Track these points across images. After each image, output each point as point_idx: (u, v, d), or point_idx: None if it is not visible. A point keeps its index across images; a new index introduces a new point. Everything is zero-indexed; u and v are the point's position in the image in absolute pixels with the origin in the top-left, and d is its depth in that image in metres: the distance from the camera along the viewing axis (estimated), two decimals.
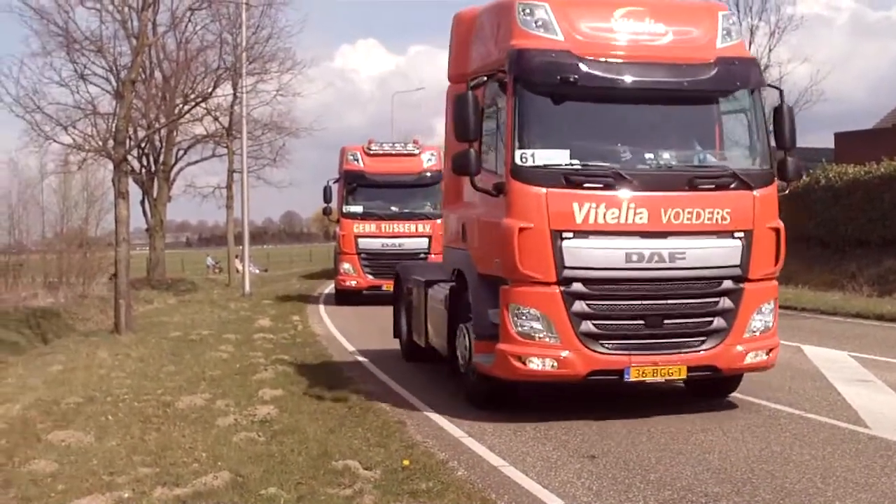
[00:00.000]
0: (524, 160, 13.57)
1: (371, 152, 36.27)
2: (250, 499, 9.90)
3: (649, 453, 11.81)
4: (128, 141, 29.24)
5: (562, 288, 13.49)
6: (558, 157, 13.65)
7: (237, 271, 51.17)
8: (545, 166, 13.61)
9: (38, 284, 39.03)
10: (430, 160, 36.34)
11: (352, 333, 25.52)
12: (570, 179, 13.47)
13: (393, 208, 35.49)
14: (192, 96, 41.25)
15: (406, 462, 11.25)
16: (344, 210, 35.42)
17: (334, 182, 37.91)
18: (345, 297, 35.68)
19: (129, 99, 26.98)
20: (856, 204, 37.09)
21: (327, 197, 37.20)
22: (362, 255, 34.30)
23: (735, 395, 15.34)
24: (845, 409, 14.33)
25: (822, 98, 49.79)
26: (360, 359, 21.02)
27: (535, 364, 13.54)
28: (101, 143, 28.53)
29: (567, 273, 13.49)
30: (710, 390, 15.26)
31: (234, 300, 39.40)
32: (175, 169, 52.22)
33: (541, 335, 13.54)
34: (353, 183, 35.77)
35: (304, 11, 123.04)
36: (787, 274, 42.78)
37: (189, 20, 41.06)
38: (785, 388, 16.09)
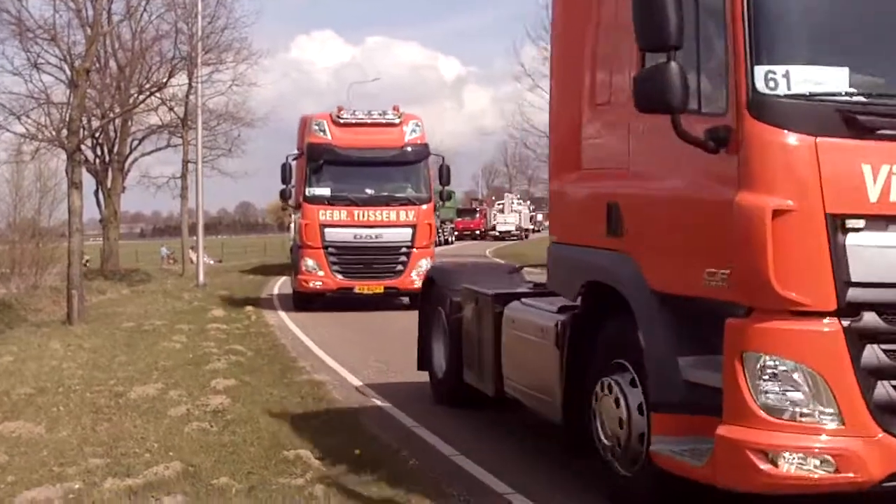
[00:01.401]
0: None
1: (341, 121, 29.85)
2: (202, 489, 9.85)
3: None
4: (81, 131, 29.14)
5: (846, 323, 7.56)
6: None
7: (191, 262, 50.93)
8: (812, 96, 7.69)
9: None
10: (413, 132, 30.21)
11: (306, 324, 25.48)
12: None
13: (368, 191, 29.61)
14: (147, 86, 41.20)
15: (358, 451, 11.20)
16: (307, 193, 29.06)
17: (294, 159, 31.23)
18: (306, 300, 29.88)
19: (83, 88, 26.83)
20: None
21: (285, 177, 31.30)
22: (330, 250, 28.73)
23: None
24: None
25: None
26: (314, 348, 21.01)
27: (795, 466, 7.51)
28: (54, 132, 28.49)
29: (854, 294, 7.56)
30: None
31: (188, 291, 39.20)
32: (129, 159, 51.81)
33: (807, 412, 7.55)
34: (319, 159, 29.37)
35: (259, 2, 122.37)
36: None
37: (144, 9, 40.91)
38: None
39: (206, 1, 46.99)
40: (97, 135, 45.56)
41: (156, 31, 44.88)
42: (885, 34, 8.07)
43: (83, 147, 35.36)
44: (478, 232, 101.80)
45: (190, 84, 47.41)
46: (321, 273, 28.95)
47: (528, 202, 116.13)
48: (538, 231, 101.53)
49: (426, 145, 30.75)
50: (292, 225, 37.45)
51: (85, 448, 11.60)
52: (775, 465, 7.47)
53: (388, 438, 12.24)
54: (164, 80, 41.32)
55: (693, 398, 8.21)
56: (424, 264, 27.54)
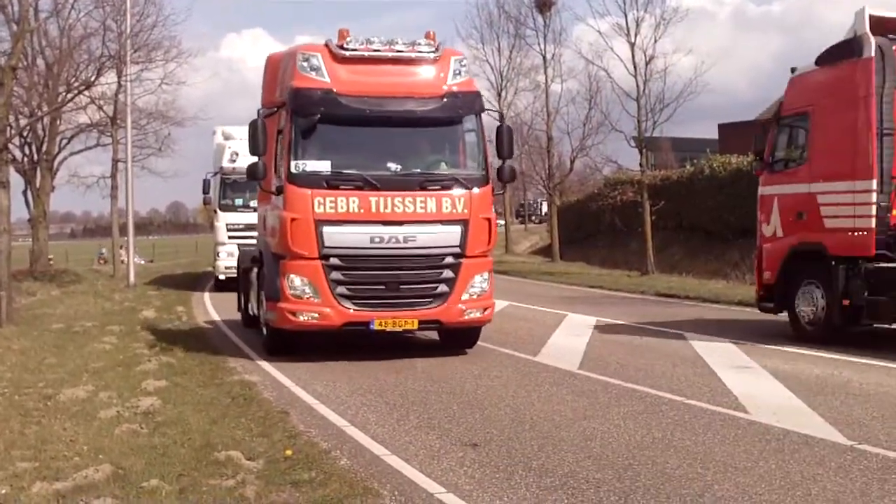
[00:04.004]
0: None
1: (347, 54, 18.85)
2: (132, 491, 9.79)
3: (532, 441, 11.86)
4: (9, 129, 28.80)
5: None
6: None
7: (122, 262, 50.62)
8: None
9: None
10: (457, 73, 19.46)
11: (235, 324, 25.33)
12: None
13: (392, 166, 18.95)
14: (76, 84, 40.72)
15: (289, 452, 11.22)
16: (293, 169, 18.42)
17: (266, 116, 19.22)
18: (287, 343, 19.48)
19: (9, 86, 26.53)
20: (739, 194, 37.71)
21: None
22: (332, 261, 18.33)
23: (617, 382, 15.65)
24: (726, 394, 14.55)
25: (707, 89, 50.44)
26: (245, 348, 20.90)
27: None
28: None
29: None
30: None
31: (119, 291, 39.02)
32: (58, 158, 51.26)
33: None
34: (311, 115, 18.57)
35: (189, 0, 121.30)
36: (671, 263, 43.59)
37: (72, 6, 40.58)
38: (667, 375, 16.31)
39: None
40: (25, 133, 45.11)
41: (84, 29, 44.31)
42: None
43: (11, 146, 34.94)
44: None
45: (119, 83, 46.99)
46: (317, 300, 18.35)
47: None
48: None
49: (478, 94, 20.07)
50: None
51: (13, 452, 11.46)
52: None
53: (320, 438, 12.21)
54: (93, 79, 40.99)
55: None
56: (480, 284, 19.10)
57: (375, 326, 18.38)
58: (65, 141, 51.31)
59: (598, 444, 11.64)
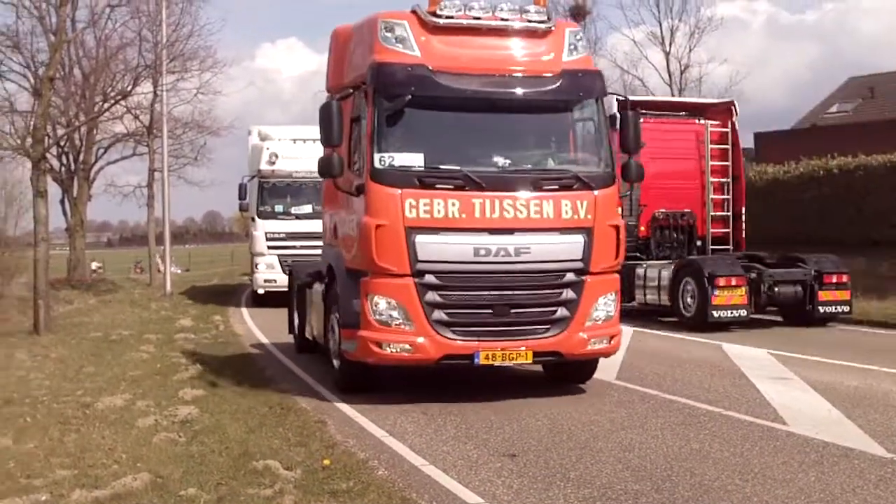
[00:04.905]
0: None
1: (441, 22, 15.53)
2: (170, 500, 9.84)
3: (570, 451, 11.84)
4: (46, 139, 28.92)
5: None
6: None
7: (158, 271, 50.82)
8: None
9: None
10: (573, 48, 16.07)
11: (274, 332, 25.34)
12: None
13: (499, 160, 15.55)
14: (112, 94, 40.92)
15: (327, 462, 11.23)
16: (376, 163, 15.01)
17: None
18: (365, 377, 16.05)
19: (47, 96, 26.70)
20: (776, 203, 37.53)
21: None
22: (428, 279, 14.92)
23: (655, 392, 15.59)
24: (764, 406, 14.47)
25: (742, 98, 50.30)
26: (282, 358, 20.94)
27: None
28: (18, 141, 28.23)
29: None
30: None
31: (156, 300, 39.15)
32: (95, 168, 51.68)
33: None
34: (399, 96, 15.13)
35: (224, 9, 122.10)
36: None
37: (108, 17, 40.89)
38: (704, 386, 16.24)
39: (171, 9, 46.94)
40: (62, 143, 45.43)
41: (120, 39, 44.66)
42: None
43: (48, 155, 35.14)
44: None
45: (155, 92, 47.32)
46: (409, 327, 14.95)
47: None
48: None
49: (599, 74, 16.85)
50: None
51: (52, 459, 11.54)
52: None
53: (357, 448, 12.21)
54: (129, 89, 41.17)
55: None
56: (606, 307, 15.73)
57: (481, 360, 14.87)
58: (101, 150, 51.78)
59: (636, 455, 11.59)
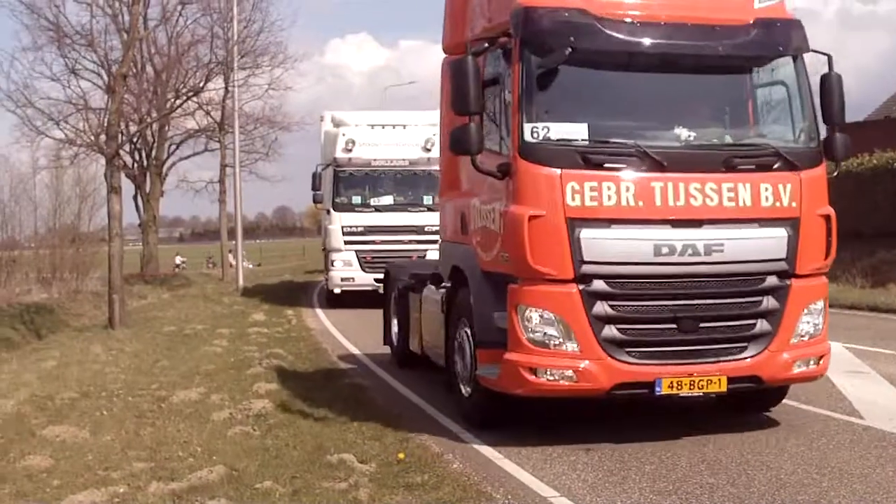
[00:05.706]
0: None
1: None
2: (245, 493, 9.89)
3: (644, 445, 11.76)
4: (119, 136, 29.29)
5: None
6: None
7: (230, 266, 51.16)
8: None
9: (31, 280, 39.06)
10: None
11: (346, 327, 25.44)
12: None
13: (681, 132, 12.10)
14: (184, 91, 41.42)
15: (401, 455, 11.22)
16: (527, 135, 11.53)
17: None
18: (505, 408, 12.65)
19: (120, 93, 27.01)
20: (848, 195, 37.06)
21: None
22: (595, 287, 11.45)
23: None
24: (840, 399, 14.33)
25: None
26: (355, 352, 21.00)
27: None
28: (92, 137, 28.58)
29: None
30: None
31: (228, 295, 39.41)
32: (167, 164, 52.28)
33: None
34: (556, 50, 11.58)
35: (295, 6, 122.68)
36: None
37: (180, 14, 41.37)
38: None
39: (242, 5, 47.27)
40: (135, 139, 45.93)
41: (192, 36, 45.22)
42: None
43: (121, 152, 35.61)
44: None
45: (226, 88, 47.68)
46: (573, 347, 11.49)
47: None
48: None
49: (798, 24, 12.77)
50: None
51: (129, 452, 11.65)
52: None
53: (432, 441, 12.21)
54: (201, 85, 41.63)
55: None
56: (814, 319, 12.34)
57: (663, 389, 11.52)
58: (173, 146, 52.38)
59: (712, 449, 11.51)
